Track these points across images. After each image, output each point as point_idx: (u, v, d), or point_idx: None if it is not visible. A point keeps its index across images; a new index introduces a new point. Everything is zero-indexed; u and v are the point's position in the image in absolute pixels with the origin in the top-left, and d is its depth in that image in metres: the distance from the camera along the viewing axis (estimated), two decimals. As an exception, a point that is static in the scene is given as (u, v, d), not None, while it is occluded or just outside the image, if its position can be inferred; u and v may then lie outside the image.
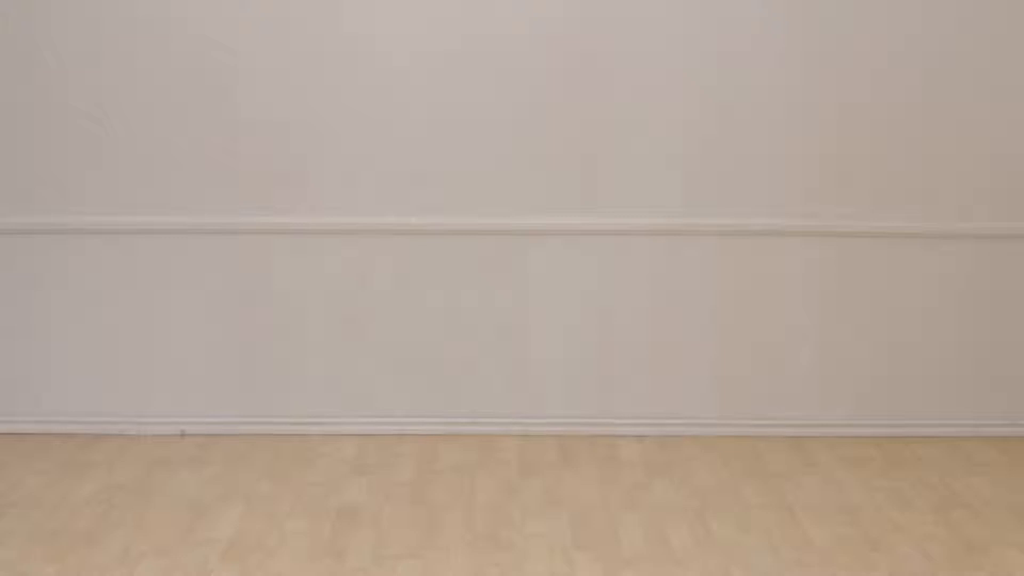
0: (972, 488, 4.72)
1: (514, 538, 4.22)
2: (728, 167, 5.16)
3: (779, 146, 5.15)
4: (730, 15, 5.07)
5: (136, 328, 5.23)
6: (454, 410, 5.32)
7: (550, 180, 5.15)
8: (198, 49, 5.06)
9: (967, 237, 5.23)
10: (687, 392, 5.30)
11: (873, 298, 5.27)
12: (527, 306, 5.21)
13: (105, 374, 5.25)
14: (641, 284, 5.24)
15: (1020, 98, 5.16)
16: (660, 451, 5.11)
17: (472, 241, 5.18)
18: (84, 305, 5.21)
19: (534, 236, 5.16)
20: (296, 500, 4.54)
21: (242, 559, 4.01)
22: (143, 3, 5.04)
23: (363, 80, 5.07)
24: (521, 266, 5.11)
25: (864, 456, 5.07)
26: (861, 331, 5.28)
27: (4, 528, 4.25)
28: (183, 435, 5.25)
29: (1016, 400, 5.34)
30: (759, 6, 5.08)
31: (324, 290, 5.22)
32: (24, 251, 5.18)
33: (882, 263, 5.24)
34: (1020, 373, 5.33)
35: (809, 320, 5.27)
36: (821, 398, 5.32)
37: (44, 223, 5.15)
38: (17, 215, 5.16)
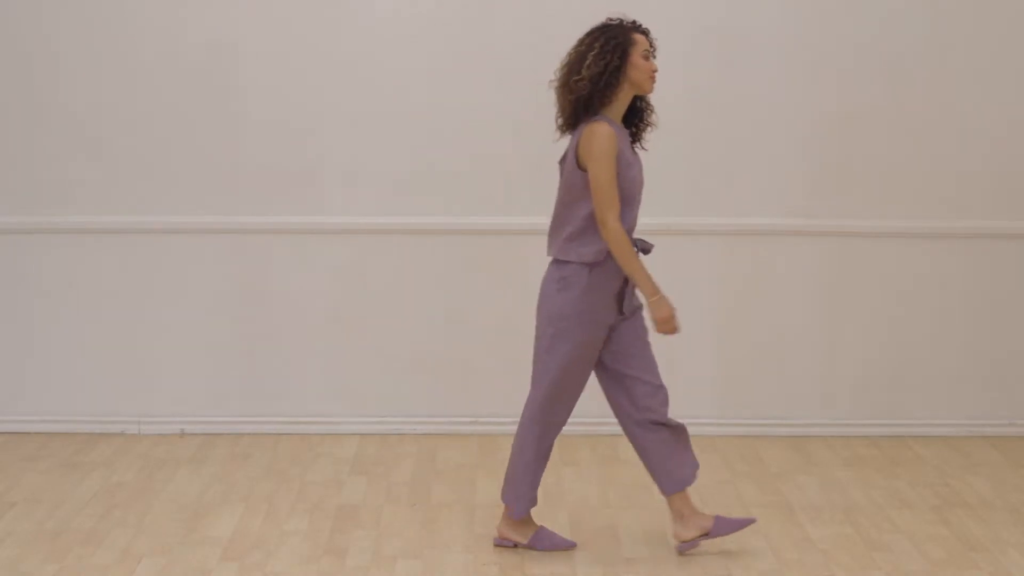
0: (972, 488, 4.72)
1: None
2: (728, 167, 5.16)
3: (779, 146, 5.16)
4: (730, 15, 5.08)
5: (136, 328, 5.22)
6: (454, 410, 5.31)
7: (550, 180, 5.14)
8: (199, 50, 5.06)
9: (967, 236, 5.24)
10: (687, 392, 5.29)
11: (873, 298, 5.27)
12: (527, 306, 5.20)
13: (105, 374, 5.25)
14: (641, 284, 5.23)
15: (1019, 98, 5.16)
16: (660, 451, 5.10)
17: (472, 241, 5.19)
18: (84, 305, 5.21)
19: (534, 236, 5.16)
20: (296, 500, 4.54)
21: (242, 559, 4.01)
22: (144, 4, 5.05)
23: (363, 81, 5.08)
24: (521, 266, 5.10)
25: (864, 456, 5.07)
26: (861, 331, 5.28)
27: (4, 528, 4.25)
28: (183, 435, 5.26)
29: (1016, 400, 5.34)
30: (759, 7, 5.08)
31: (324, 290, 5.22)
32: (24, 251, 5.18)
33: (882, 263, 5.24)
34: (1020, 373, 5.33)
35: (809, 320, 5.27)
36: (821, 398, 5.32)
37: (44, 223, 5.15)
38: (17, 215, 5.16)
